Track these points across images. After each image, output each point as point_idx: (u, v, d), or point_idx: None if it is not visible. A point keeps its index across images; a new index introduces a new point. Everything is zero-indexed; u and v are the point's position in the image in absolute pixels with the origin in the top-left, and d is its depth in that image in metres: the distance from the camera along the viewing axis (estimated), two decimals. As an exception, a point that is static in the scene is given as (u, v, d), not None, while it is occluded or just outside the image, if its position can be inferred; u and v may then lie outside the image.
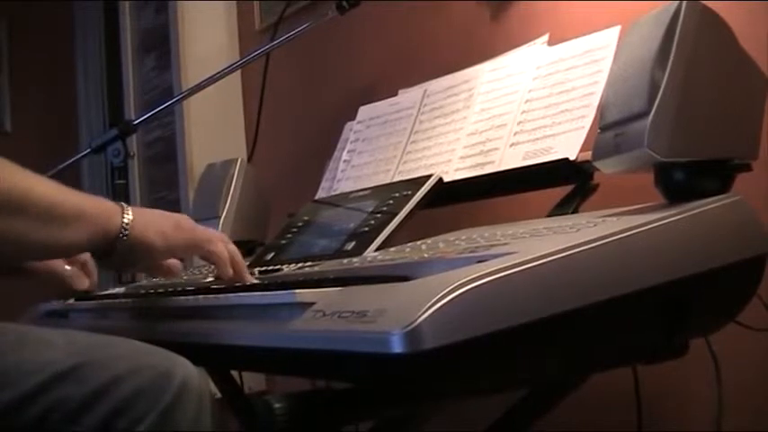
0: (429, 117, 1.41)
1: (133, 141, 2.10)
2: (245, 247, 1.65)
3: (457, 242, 0.97)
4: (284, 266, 1.18)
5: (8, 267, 1.19)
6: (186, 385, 0.84)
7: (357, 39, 1.99)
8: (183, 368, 0.85)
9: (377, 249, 1.11)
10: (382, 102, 1.55)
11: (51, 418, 0.81)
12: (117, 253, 0.95)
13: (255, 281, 1.05)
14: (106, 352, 0.86)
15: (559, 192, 1.14)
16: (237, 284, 1.03)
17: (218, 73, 1.75)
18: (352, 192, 1.37)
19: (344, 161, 1.54)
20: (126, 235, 0.95)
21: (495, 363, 0.72)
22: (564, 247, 0.74)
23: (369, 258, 1.05)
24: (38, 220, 0.89)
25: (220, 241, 1.04)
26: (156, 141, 2.61)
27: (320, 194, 1.59)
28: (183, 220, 1.03)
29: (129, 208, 0.97)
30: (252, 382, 2.11)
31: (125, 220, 0.95)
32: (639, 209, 0.90)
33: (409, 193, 1.19)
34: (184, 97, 1.87)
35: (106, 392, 0.82)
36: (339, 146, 1.63)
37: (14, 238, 0.88)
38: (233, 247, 1.06)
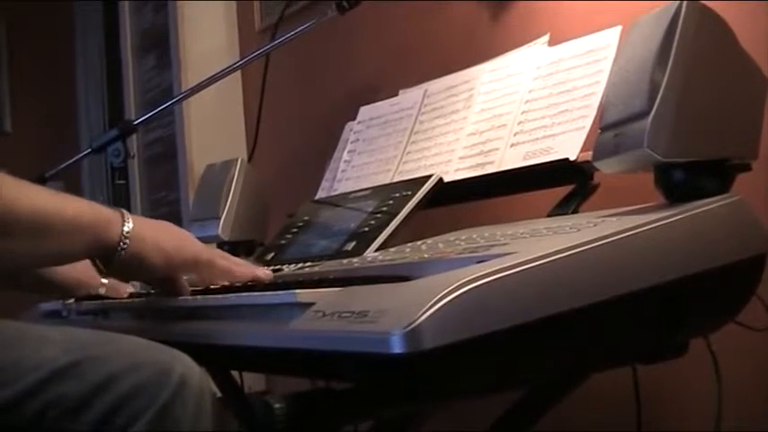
0: (429, 117, 1.40)
1: (133, 142, 2.09)
2: (245, 247, 1.66)
3: (457, 242, 0.97)
4: (284, 266, 1.18)
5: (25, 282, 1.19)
6: (185, 381, 0.84)
7: (357, 39, 1.99)
8: (183, 364, 0.85)
9: (377, 249, 1.11)
10: (382, 102, 1.55)
11: (50, 414, 0.81)
12: (114, 264, 0.94)
13: (267, 270, 1.05)
14: (105, 348, 0.86)
15: (559, 192, 1.14)
16: (238, 284, 1.03)
17: (219, 73, 1.75)
18: (352, 192, 1.37)
19: (345, 161, 1.54)
20: (124, 248, 0.93)
21: (495, 363, 0.72)
22: (564, 247, 0.74)
23: (369, 258, 1.05)
24: (25, 233, 0.87)
25: (220, 258, 1.03)
26: (156, 141, 2.61)
27: (320, 194, 1.58)
28: (186, 237, 1.01)
29: (131, 217, 0.94)
30: (252, 382, 2.10)
31: (125, 230, 0.93)
32: (639, 209, 0.90)
33: (409, 193, 1.19)
34: (184, 97, 1.86)
35: (105, 389, 0.82)
36: (339, 146, 1.63)
37: (3, 255, 0.87)
38: (233, 259, 1.06)
